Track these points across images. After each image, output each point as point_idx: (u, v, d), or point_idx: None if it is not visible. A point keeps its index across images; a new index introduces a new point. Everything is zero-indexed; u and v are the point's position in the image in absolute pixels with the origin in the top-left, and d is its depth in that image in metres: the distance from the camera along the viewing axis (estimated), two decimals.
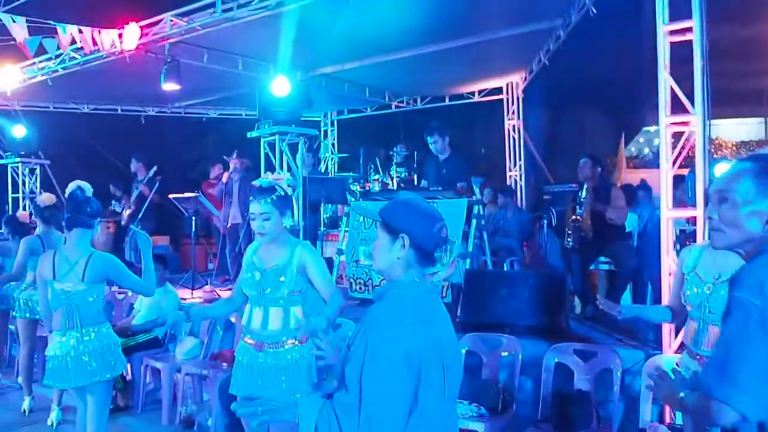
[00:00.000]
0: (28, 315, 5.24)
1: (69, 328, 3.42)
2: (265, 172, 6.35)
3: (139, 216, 8.19)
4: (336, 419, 1.68)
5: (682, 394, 1.68)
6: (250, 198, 3.04)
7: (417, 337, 1.71)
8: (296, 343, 3.00)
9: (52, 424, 4.95)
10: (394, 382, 1.66)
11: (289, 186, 3.04)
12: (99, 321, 3.53)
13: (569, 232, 5.60)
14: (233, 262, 7.83)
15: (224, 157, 8.22)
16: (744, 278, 1.55)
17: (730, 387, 1.48)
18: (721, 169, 3.95)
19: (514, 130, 9.72)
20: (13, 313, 5.45)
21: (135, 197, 8.23)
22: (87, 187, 3.64)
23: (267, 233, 2.99)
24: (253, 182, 3.08)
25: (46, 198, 5.24)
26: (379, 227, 1.91)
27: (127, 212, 8.30)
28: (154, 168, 8.03)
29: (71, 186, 3.63)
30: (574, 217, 5.67)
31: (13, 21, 5.64)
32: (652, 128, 12.70)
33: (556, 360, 3.96)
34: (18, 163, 8.56)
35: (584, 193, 5.54)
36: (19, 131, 8.49)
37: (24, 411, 5.22)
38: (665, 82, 4.19)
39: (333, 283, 3.15)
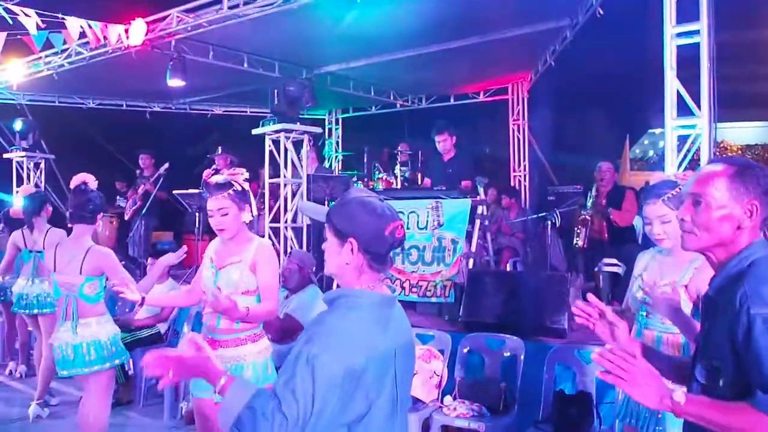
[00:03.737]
0: (22, 310, 5.28)
1: (66, 319, 3.54)
2: (269, 170, 6.40)
3: (143, 212, 8.21)
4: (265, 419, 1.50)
5: (676, 396, 1.55)
6: (206, 194, 2.95)
7: (361, 354, 1.58)
8: (248, 341, 2.97)
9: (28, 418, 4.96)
10: (326, 400, 1.52)
11: (245, 181, 2.99)
12: (98, 312, 3.62)
13: (578, 231, 5.64)
14: None
15: (207, 155, 8.22)
16: (763, 293, 1.51)
17: None
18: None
19: (518, 131, 9.70)
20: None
21: (141, 193, 8.23)
22: (92, 181, 3.67)
23: (226, 229, 2.92)
24: (208, 179, 2.98)
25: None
26: (327, 229, 1.76)
27: (132, 208, 8.31)
28: (166, 165, 8.04)
29: (76, 180, 3.65)
30: (582, 217, 5.71)
31: (26, 15, 5.63)
32: (657, 131, 12.66)
33: (558, 361, 3.95)
34: (23, 157, 8.57)
35: (594, 192, 5.63)
36: (17, 124, 8.50)
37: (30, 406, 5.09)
38: (671, 84, 4.18)
39: (275, 292, 2.98)
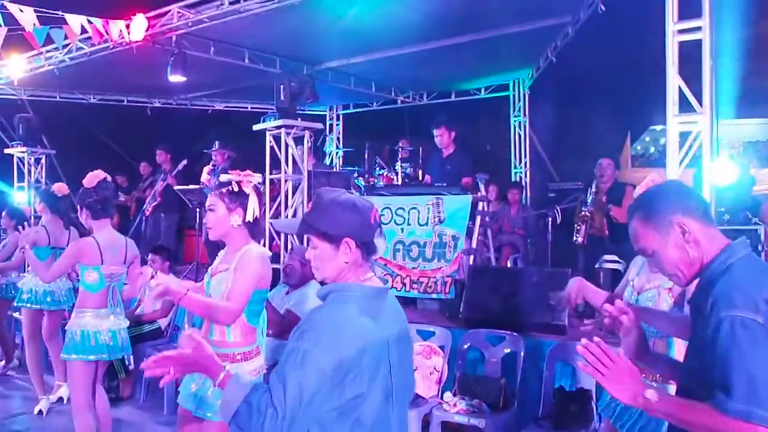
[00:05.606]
0: (30, 305, 5.18)
1: (114, 306, 3.80)
2: (270, 166, 6.39)
3: (146, 206, 8.20)
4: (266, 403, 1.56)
5: (648, 394, 1.59)
6: (207, 190, 2.87)
7: (351, 347, 1.62)
8: (242, 359, 2.75)
9: (42, 413, 5.01)
10: (315, 392, 1.57)
11: (257, 184, 2.84)
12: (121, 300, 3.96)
13: (578, 228, 5.64)
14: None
15: (204, 150, 8.08)
16: (734, 297, 1.53)
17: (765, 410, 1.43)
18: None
19: (520, 127, 9.71)
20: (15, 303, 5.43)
21: (161, 188, 8.19)
22: (109, 179, 3.84)
23: (212, 228, 2.82)
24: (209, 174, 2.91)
25: (61, 188, 5.26)
26: (314, 238, 1.78)
27: (152, 204, 8.29)
28: (184, 161, 8.01)
29: (94, 178, 3.72)
30: (582, 213, 5.71)
31: (21, 11, 5.63)
32: (659, 127, 12.64)
33: (558, 357, 3.96)
34: (24, 152, 8.58)
35: (594, 189, 5.63)
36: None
37: (41, 412, 5.04)
38: (673, 80, 4.18)
39: (241, 296, 2.71)
